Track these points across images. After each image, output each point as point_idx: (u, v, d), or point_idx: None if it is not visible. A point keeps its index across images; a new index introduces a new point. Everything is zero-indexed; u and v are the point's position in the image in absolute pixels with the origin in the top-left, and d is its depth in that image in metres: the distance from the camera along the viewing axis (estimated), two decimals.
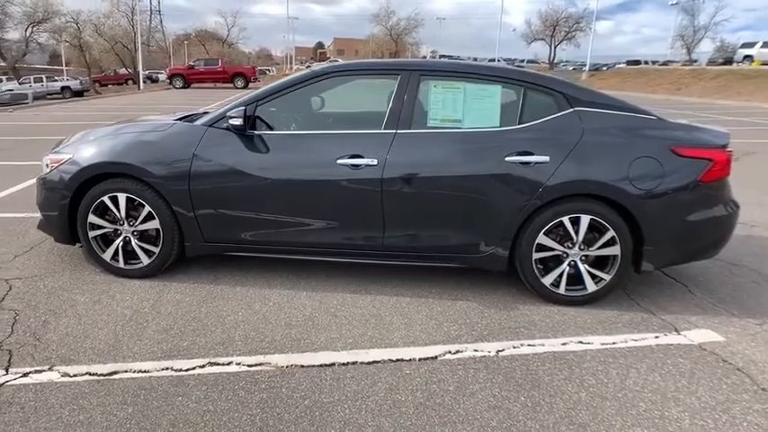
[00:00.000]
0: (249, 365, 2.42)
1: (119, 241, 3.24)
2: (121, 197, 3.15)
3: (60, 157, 3.24)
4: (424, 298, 3.16)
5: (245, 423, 2.03)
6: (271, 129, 3.15)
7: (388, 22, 50.61)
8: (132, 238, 3.23)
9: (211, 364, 2.42)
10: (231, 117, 2.94)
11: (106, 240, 3.27)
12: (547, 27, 50.91)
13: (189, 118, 3.48)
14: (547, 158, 2.91)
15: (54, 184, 3.21)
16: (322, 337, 2.68)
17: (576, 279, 3.06)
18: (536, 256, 3.03)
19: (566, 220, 2.96)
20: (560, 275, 3.05)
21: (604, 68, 50.24)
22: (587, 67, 44.68)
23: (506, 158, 2.92)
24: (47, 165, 3.30)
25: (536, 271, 3.06)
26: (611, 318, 2.99)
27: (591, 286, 3.06)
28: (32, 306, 2.91)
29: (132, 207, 3.17)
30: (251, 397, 2.19)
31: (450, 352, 2.58)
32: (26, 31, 34.85)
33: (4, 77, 32.02)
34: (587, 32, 48.40)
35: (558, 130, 2.97)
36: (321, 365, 2.43)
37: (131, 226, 3.21)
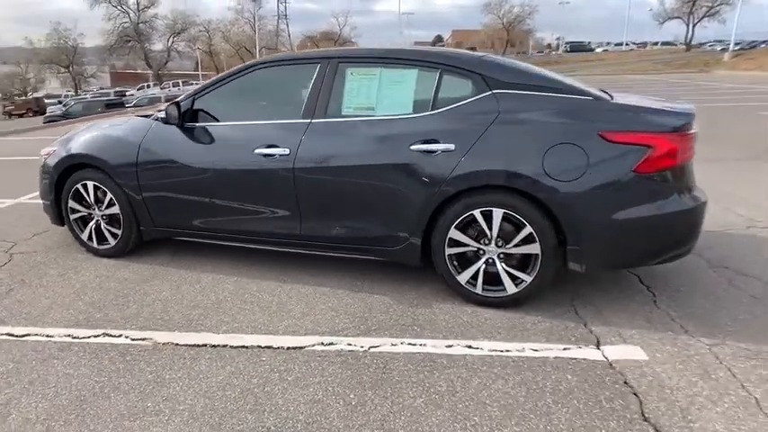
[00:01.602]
0: (133, 339, 2.62)
1: (92, 224, 3.68)
2: (90, 185, 3.57)
3: (49, 150, 3.77)
4: (341, 289, 3.13)
5: (85, 386, 2.23)
6: (216, 120, 3.32)
7: (499, 11, 48.81)
8: (102, 222, 3.64)
9: (105, 335, 2.67)
10: (160, 111, 3.18)
11: (85, 223, 3.72)
12: (684, 3, 45.11)
13: None
14: (452, 147, 2.70)
15: (45, 173, 3.74)
16: (215, 320, 2.80)
17: (496, 279, 2.80)
18: (449, 251, 2.83)
19: (477, 213, 2.72)
20: (476, 274, 2.81)
21: (762, 45, 43.23)
22: (731, 46, 38.72)
23: (411, 147, 2.77)
24: (42, 156, 3.84)
25: (450, 267, 2.86)
26: (527, 323, 2.69)
27: (510, 287, 2.78)
28: (12, 276, 3.45)
29: (99, 194, 3.57)
30: (110, 366, 2.39)
31: (322, 344, 2.54)
32: (168, 41, 40.20)
33: (150, 83, 37.07)
34: (735, 5, 41.92)
35: (469, 116, 2.74)
36: (193, 345, 2.56)
37: (101, 211, 3.62)
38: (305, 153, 2.97)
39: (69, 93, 41.78)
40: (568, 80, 2.92)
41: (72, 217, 3.72)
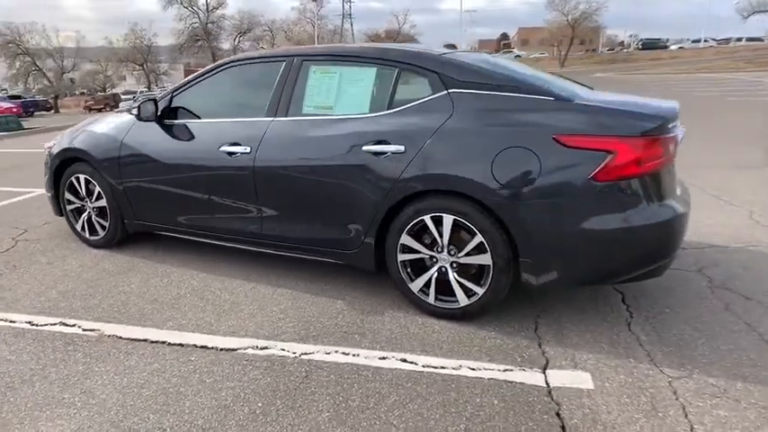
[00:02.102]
0: (84, 329, 2.69)
1: (84, 215, 3.83)
2: (82, 178, 3.72)
3: (49, 145, 3.96)
4: (302, 292, 3.06)
5: (18, 373, 2.31)
6: (193, 117, 3.36)
7: (564, 7, 46.79)
8: (93, 214, 3.79)
9: (61, 323, 2.76)
10: (133, 107, 3.25)
11: (79, 214, 3.89)
12: None
13: None
14: (402, 148, 2.57)
15: (46, 165, 3.94)
16: (165, 316, 2.82)
17: (449, 289, 2.64)
18: (402, 257, 2.70)
19: (428, 219, 2.57)
20: (429, 282, 2.66)
21: None
22: None
23: (363, 148, 2.66)
24: (45, 149, 4.05)
25: (403, 274, 2.72)
26: (476, 339, 2.51)
27: (462, 299, 2.61)
28: (7, 261, 3.66)
29: (90, 187, 3.72)
30: (50, 355, 2.46)
31: (256, 347, 2.49)
32: (234, 40, 41.84)
33: None
34: None
35: (422, 117, 2.59)
36: (134, 339, 2.59)
37: (92, 203, 3.76)
38: (264, 152, 2.93)
39: (144, 89, 44.50)
40: (539, 79, 2.70)
41: (68, 208, 3.90)
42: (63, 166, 3.81)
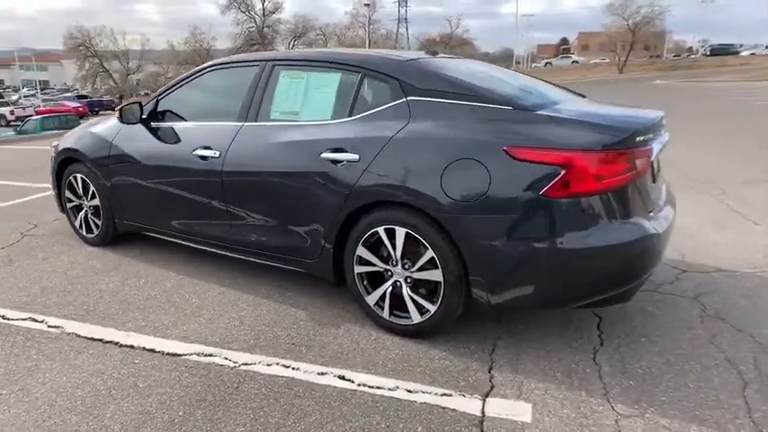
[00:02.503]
0: (49, 326, 2.77)
1: (81, 214, 3.98)
2: (78, 177, 3.86)
3: (55, 144, 4.14)
4: (266, 299, 3.04)
5: None
6: (176, 120, 3.40)
7: (624, 11, 44.81)
8: (89, 212, 3.93)
9: (30, 319, 2.86)
10: (116, 111, 3.33)
11: (78, 212, 4.04)
12: None
13: None
14: (356, 157, 2.49)
15: (51, 166, 4.12)
16: (129, 316, 2.86)
17: (404, 304, 2.53)
18: (358, 269, 2.62)
19: (381, 231, 2.47)
20: (384, 296, 2.57)
21: None
22: None
23: (322, 155, 2.60)
24: (52, 148, 4.24)
25: (360, 287, 2.64)
26: (425, 358, 2.39)
27: (416, 316, 2.49)
28: (8, 255, 3.85)
29: (86, 186, 3.85)
30: (7, 350, 2.54)
31: (201, 354, 2.48)
32: (289, 44, 42.94)
33: None
34: None
35: (379, 125, 2.50)
36: (90, 338, 2.64)
37: (88, 202, 3.90)
38: (232, 157, 2.93)
39: None
40: (512, 87, 2.55)
41: (68, 206, 4.06)
42: (64, 164, 3.97)
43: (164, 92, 3.45)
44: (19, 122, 22.01)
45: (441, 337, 2.55)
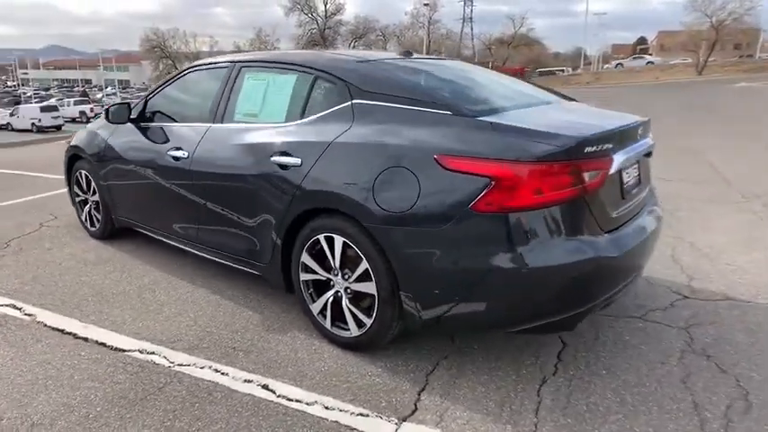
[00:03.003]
0: (24, 313, 2.92)
1: (86, 208, 4.18)
2: (83, 174, 4.06)
3: (69, 140, 4.38)
4: (230, 301, 3.04)
5: None
6: (165, 120, 3.48)
7: (708, 8, 41.47)
8: (92, 207, 4.12)
9: (12, 306, 3.02)
10: (105, 109, 3.46)
11: (84, 206, 4.25)
12: None
13: None
14: (299, 161, 2.42)
15: (64, 161, 4.36)
16: (94, 309, 2.96)
17: (344, 316, 2.44)
18: (303, 277, 2.55)
19: (322, 239, 2.39)
20: (326, 306, 2.48)
21: None
22: None
23: (271, 159, 2.55)
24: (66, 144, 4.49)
25: (305, 295, 2.57)
26: (357, 374, 2.29)
27: (354, 329, 2.39)
28: (19, 243, 4.11)
29: (89, 181, 4.04)
30: None
31: (144, 351, 2.51)
32: (349, 45, 43.63)
33: None
34: None
35: (323, 129, 2.42)
36: (53, 328, 2.75)
37: (91, 197, 4.09)
38: (198, 158, 2.96)
39: None
40: (432, 90, 2.37)
41: (76, 200, 4.28)
42: (73, 161, 4.19)
43: (151, 92, 3.55)
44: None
45: (383, 352, 2.44)
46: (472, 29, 64.19)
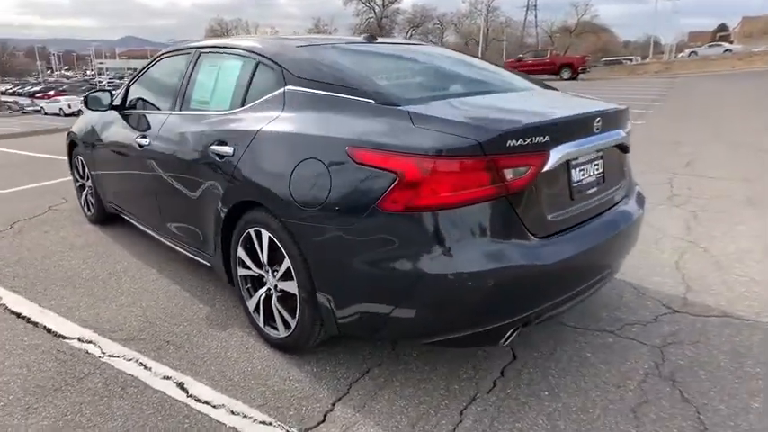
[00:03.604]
0: None
1: (84, 193, 4.29)
2: (79, 160, 4.17)
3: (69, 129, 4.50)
4: (188, 292, 3.00)
5: None
6: (142, 107, 3.47)
7: None
8: (88, 193, 4.22)
9: None
10: (83, 96, 3.49)
11: (82, 191, 4.36)
12: None
13: None
14: (230, 151, 2.31)
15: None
16: (57, 294, 3.00)
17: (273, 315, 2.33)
18: (240, 272, 2.45)
19: (252, 233, 2.28)
20: (259, 303, 2.38)
21: None
22: None
23: (210, 148, 2.46)
24: None
25: (243, 290, 2.48)
26: (277, 378, 2.18)
27: (282, 329, 2.28)
28: (22, 226, 4.28)
29: (84, 167, 4.14)
30: None
31: (82, 339, 2.51)
32: (406, 34, 43.25)
33: None
34: None
35: (256, 116, 2.30)
36: (11, 311, 2.81)
37: (87, 182, 4.19)
38: (155, 146, 2.93)
39: None
40: (360, 76, 2.17)
41: (76, 185, 4.41)
42: (71, 147, 4.30)
43: (132, 79, 3.55)
44: None
45: (315, 355, 2.31)
46: (536, 16, 61.78)
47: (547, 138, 1.79)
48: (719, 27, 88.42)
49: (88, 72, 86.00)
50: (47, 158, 8.01)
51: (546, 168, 1.81)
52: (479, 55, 39.41)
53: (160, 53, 3.38)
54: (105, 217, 4.13)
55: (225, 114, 2.50)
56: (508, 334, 1.85)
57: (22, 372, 2.25)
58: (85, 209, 4.34)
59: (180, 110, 2.88)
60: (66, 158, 4.58)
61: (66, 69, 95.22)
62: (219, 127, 2.47)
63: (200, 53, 2.87)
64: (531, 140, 1.75)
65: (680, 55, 60.93)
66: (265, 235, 2.20)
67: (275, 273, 2.25)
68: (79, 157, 4.17)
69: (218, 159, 2.41)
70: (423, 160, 1.67)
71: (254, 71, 2.44)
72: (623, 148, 2.34)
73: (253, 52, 2.48)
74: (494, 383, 2.11)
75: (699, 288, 2.93)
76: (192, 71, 2.87)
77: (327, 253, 1.92)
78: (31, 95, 30.91)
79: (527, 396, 2.02)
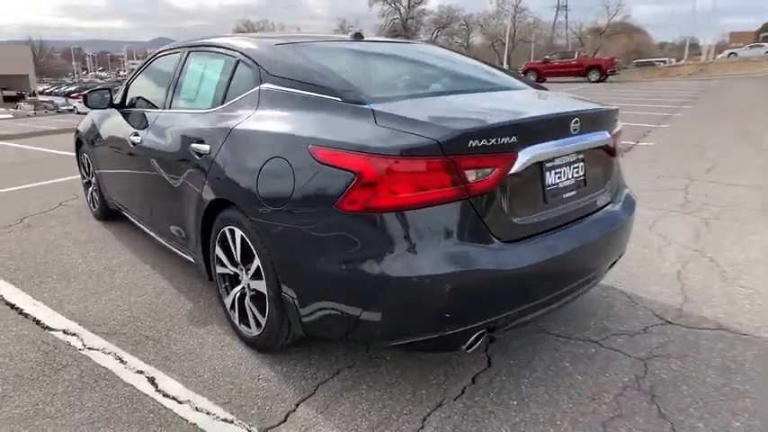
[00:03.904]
0: None
1: (89, 190, 4.40)
2: (85, 157, 4.27)
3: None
4: (174, 288, 3.04)
5: None
6: (138, 105, 3.53)
7: None
8: (93, 189, 4.32)
9: None
10: (83, 94, 3.57)
11: (88, 188, 4.47)
12: None
13: None
14: (207, 149, 2.33)
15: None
16: (53, 287, 3.08)
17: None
18: (218, 270, 2.47)
19: (227, 231, 2.29)
20: (234, 301, 2.39)
21: None
22: None
23: (191, 146, 2.48)
24: None
25: (221, 288, 2.49)
26: (243, 377, 2.17)
27: (254, 328, 2.28)
28: (30, 221, 4.41)
29: (89, 164, 4.24)
30: None
31: (66, 331, 2.56)
32: (432, 35, 43.12)
33: None
34: None
35: (231, 115, 2.30)
36: (6, 302, 2.89)
37: (92, 179, 4.29)
38: (145, 144, 2.97)
39: None
40: (329, 73, 2.14)
41: (83, 182, 4.52)
42: (78, 145, 4.41)
43: (131, 78, 3.62)
44: None
45: (288, 355, 2.30)
46: (567, 17, 60.64)
47: (514, 138, 1.74)
48: (763, 27, 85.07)
49: (121, 72, 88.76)
50: (69, 156, 8.26)
51: (513, 170, 1.75)
52: (505, 57, 38.90)
53: (156, 51, 3.44)
54: (109, 213, 4.22)
55: (206, 112, 2.52)
56: (471, 340, 1.79)
57: (5, 361, 2.31)
58: (91, 205, 4.44)
59: (169, 108, 2.92)
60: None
61: (100, 70, 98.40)
62: (199, 125, 2.49)
63: (190, 51, 2.91)
64: (497, 141, 1.70)
65: (719, 56, 58.92)
66: (238, 233, 2.20)
67: (248, 271, 2.25)
68: (84, 155, 4.28)
69: (197, 157, 2.42)
70: (379, 160, 1.64)
71: (234, 69, 2.46)
72: (609, 151, 2.26)
73: (233, 50, 2.49)
74: (463, 390, 2.06)
75: (698, 299, 2.80)
76: (181, 69, 2.91)
77: (291, 252, 1.91)
78: (66, 95, 32.01)
79: (494, 405, 1.97)
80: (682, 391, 2.03)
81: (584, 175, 2.10)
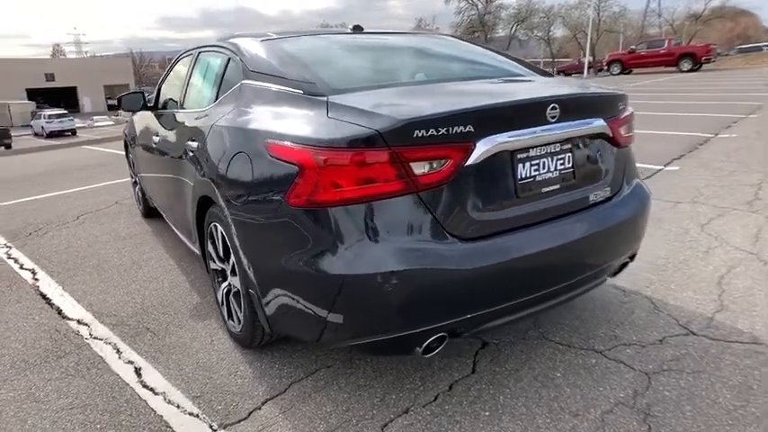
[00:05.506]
0: (34, 277, 3.38)
1: (136, 188, 4.68)
2: (129, 157, 4.56)
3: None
4: (188, 283, 3.14)
5: None
6: (174, 107, 3.69)
7: None
8: (139, 188, 4.59)
9: (32, 270, 3.52)
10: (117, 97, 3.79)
11: (135, 187, 4.76)
12: None
13: None
14: (195, 145, 2.37)
15: None
16: (85, 279, 3.29)
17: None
18: (211, 266, 2.51)
19: (213, 227, 2.32)
20: (222, 297, 2.42)
21: None
22: None
23: (186, 143, 2.55)
24: None
25: (214, 284, 2.53)
26: (222, 373, 2.19)
27: (237, 324, 2.29)
28: (99, 217, 4.77)
29: (133, 164, 4.52)
30: None
31: (80, 321, 2.72)
32: (510, 29, 41.90)
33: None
34: None
35: (216, 111, 2.33)
36: (39, 292, 3.13)
37: (137, 179, 4.57)
38: (161, 143, 3.09)
39: None
40: (303, 66, 2.07)
41: (131, 181, 4.83)
42: (126, 146, 4.72)
43: (161, 79, 3.79)
44: None
45: (272, 352, 2.29)
46: (660, 4, 56.55)
47: (470, 128, 1.60)
48: None
49: None
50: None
51: (471, 162, 1.61)
52: (587, 48, 36.89)
53: (179, 55, 3.58)
54: (151, 211, 4.47)
55: (202, 110, 2.57)
56: (426, 343, 1.67)
57: (18, 347, 2.49)
58: (137, 204, 4.74)
59: (182, 107, 3.03)
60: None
61: None
62: (194, 123, 2.55)
63: (200, 52, 2.99)
64: (448, 130, 1.57)
65: None
66: (219, 229, 2.22)
67: (230, 267, 2.27)
68: (129, 155, 4.56)
69: (190, 155, 2.48)
70: (319, 152, 1.57)
71: (226, 67, 2.49)
72: (611, 140, 2.02)
73: (227, 48, 2.52)
74: (435, 397, 1.94)
75: (735, 308, 2.46)
76: (191, 70, 3.00)
77: (255, 249, 1.89)
78: None
79: (463, 415, 1.83)
80: (683, 412, 1.77)
81: (572, 167, 1.89)
